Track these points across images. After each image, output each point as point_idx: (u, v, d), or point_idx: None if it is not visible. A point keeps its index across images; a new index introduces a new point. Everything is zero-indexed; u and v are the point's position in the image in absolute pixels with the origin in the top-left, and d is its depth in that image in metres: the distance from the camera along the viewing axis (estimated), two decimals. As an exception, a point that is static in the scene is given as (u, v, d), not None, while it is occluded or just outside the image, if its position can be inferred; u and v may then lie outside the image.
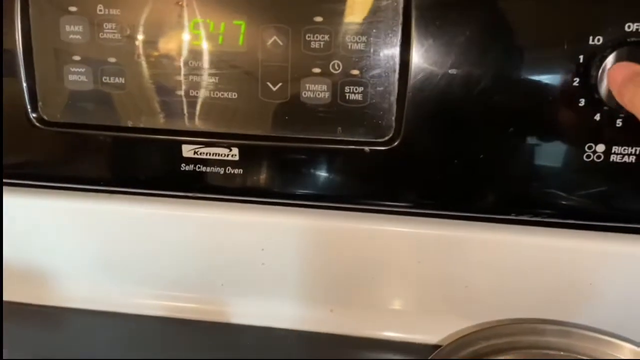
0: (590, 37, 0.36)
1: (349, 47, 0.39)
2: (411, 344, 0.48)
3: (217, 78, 0.41)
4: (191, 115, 0.42)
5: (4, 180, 0.47)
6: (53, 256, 0.51)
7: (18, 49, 0.42)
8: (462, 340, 0.37)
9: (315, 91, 0.40)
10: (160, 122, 0.43)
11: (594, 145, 0.38)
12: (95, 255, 0.51)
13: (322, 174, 0.42)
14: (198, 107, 0.42)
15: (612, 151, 0.38)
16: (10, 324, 0.51)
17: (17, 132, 0.44)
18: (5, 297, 0.52)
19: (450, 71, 0.38)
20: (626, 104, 0.32)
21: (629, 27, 0.35)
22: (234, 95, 0.41)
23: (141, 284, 0.51)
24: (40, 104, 0.43)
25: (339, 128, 0.41)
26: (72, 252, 0.51)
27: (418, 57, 0.38)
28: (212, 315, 0.51)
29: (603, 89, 0.35)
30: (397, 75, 0.39)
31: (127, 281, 0.51)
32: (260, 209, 0.47)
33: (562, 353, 0.38)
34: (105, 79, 0.42)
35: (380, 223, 0.46)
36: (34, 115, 0.43)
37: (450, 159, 0.40)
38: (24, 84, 0.43)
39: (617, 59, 0.34)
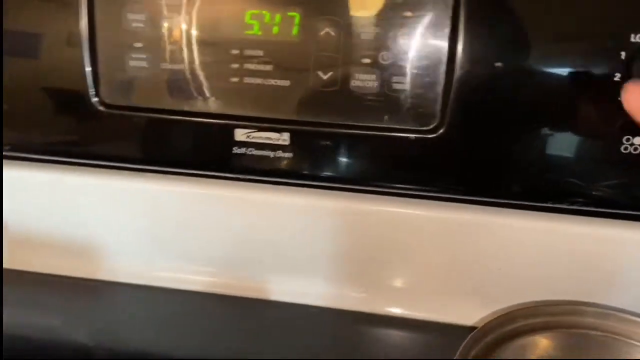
0: (632, 35, 0.38)
1: (399, 38, 0.41)
2: (447, 325, 0.50)
3: (270, 66, 0.43)
4: (245, 101, 0.44)
5: (65, 160, 0.49)
6: (103, 233, 0.54)
7: (83, 35, 0.44)
8: (502, 319, 0.39)
9: (364, 80, 0.42)
10: (215, 107, 0.45)
11: (631, 138, 0.40)
12: (143, 233, 0.53)
13: (368, 159, 0.45)
14: (252, 94, 0.44)
15: (649, 144, 0.40)
16: (61, 297, 0.54)
17: (79, 114, 0.47)
18: (57, 272, 0.55)
19: (495, 64, 0.40)
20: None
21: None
22: (287, 83, 0.43)
23: (185, 260, 0.54)
24: (102, 88, 0.46)
25: (386, 116, 0.43)
26: (122, 229, 0.54)
27: (465, 50, 0.40)
28: (250, 291, 0.53)
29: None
30: (444, 67, 0.41)
31: (172, 257, 0.54)
32: (300, 191, 0.49)
33: (600, 334, 0.39)
34: (164, 65, 0.44)
35: (419, 208, 0.48)
36: (96, 99, 0.46)
37: (492, 148, 0.42)
38: (88, 69, 0.45)
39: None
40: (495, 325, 0.38)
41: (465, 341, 0.37)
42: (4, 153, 0.50)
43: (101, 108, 0.46)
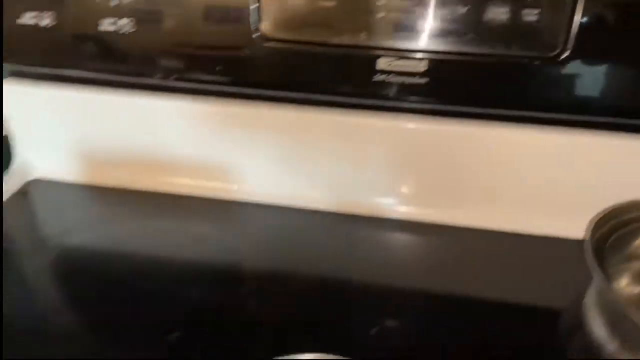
0: None
1: (528, -26, 0.48)
2: (554, 239, 0.56)
3: (410, 2, 0.50)
4: (388, 33, 0.52)
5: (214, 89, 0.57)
6: (240, 156, 0.62)
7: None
8: (610, 213, 0.45)
9: (497, 13, 0.49)
10: (362, 39, 0.52)
11: None
12: (275, 157, 0.61)
13: (496, 84, 0.52)
14: (394, 26, 0.51)
15: None
16: (201, 216, 0.62)
17: (241, 47, 0.54)
18: (196, 192, 0.63)
19: (616, -2, 0.47)
20: None
21: None
22: (426, 17, 0.51)
23: (310, 183, 0.61)
24: (263, 23, 0.53)
25: (515, 44, 0.50)
26: (258, 153, 0.61)
27: (589, -16, 0.47)
28: (361, 209, 0.60)
29: None
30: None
31: (300, 180, 0.61)
32: (406, 117, 0.56)
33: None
34: (321, 3, 0.52)
35: (526, 132, 0.54)
36: (258, 33, 0.53)
37: (611, 70, 0.49)
38: (253, 6, 0.53)
39: None
40: (614, 214, 0.45)
41: (592, 226, 0.44)
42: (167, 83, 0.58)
43: (262, 42, 0.53)
